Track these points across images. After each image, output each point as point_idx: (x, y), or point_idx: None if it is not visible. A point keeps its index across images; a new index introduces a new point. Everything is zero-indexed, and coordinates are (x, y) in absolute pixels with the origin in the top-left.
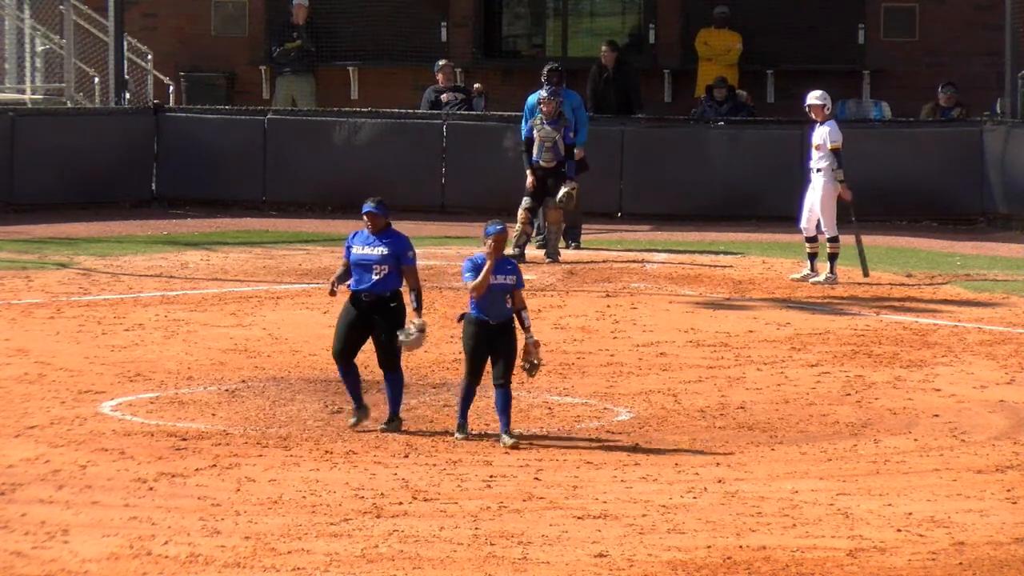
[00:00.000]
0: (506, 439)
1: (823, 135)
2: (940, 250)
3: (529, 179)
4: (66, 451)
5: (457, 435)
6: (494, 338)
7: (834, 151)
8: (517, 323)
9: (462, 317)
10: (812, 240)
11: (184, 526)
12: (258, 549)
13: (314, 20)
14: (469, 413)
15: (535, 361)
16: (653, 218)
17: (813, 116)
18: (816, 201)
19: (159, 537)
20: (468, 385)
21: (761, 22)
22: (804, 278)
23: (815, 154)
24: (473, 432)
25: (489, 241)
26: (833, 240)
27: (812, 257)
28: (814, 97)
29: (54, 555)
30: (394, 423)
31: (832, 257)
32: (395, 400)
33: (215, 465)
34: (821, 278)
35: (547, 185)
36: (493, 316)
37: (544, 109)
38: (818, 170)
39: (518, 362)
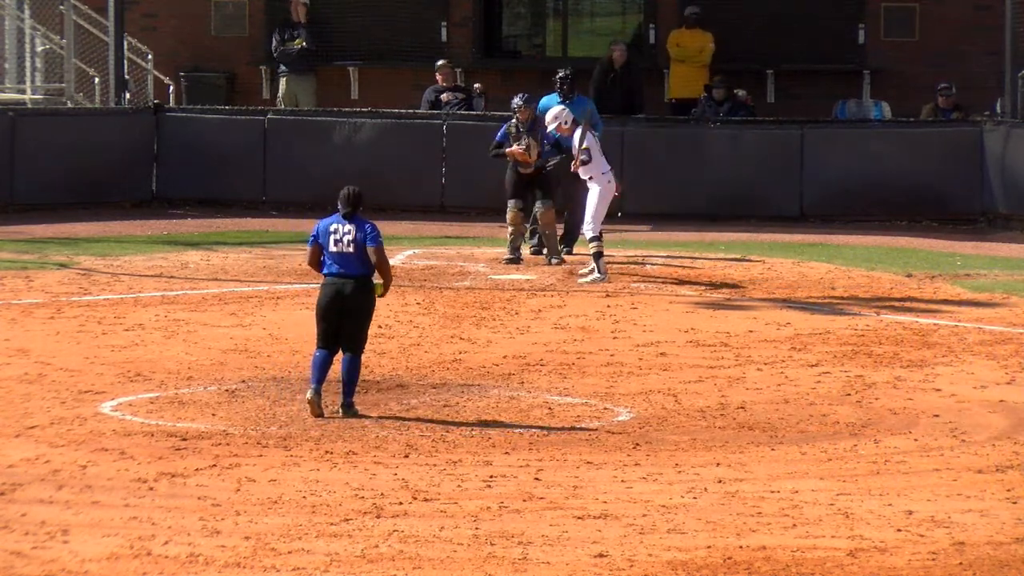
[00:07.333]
0: None
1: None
2: (940, 250)
3: (512, 148)
4: (66, 451)
5: None
6: None
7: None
8: None
9: None
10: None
11: (184, 526)
12: (258, 549)
13: (315, 19)
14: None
15: None
16: (653, 218)
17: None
18: (589, 200)
19: (159, 537)
20: None
21: (761, 22)
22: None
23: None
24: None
25: None
26: (595, 239)
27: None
28: (549, 123)
29: (54, 555)
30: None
31: (596, 256)
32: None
33: (215, 465)
34: (588, 278)
35: (531, 186)
36: None
37: (519, 117)
38: (589, 177)
39: None
